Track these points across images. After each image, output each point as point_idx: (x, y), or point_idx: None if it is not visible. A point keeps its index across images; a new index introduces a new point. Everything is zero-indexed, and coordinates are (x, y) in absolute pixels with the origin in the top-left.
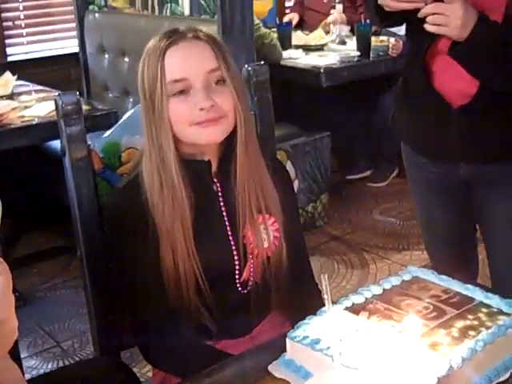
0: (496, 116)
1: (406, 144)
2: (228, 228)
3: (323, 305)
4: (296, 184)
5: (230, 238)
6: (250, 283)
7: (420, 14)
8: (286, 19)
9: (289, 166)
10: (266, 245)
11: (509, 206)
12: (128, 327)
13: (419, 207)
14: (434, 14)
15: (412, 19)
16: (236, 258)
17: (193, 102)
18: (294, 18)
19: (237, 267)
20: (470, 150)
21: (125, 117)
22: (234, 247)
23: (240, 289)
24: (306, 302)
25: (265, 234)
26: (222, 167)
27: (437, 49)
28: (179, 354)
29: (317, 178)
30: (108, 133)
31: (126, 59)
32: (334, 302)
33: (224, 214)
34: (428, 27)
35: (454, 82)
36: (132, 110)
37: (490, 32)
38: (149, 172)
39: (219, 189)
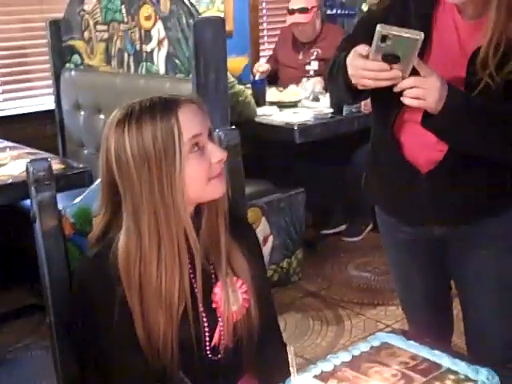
0: (464, 179)
1: (378, 207)
2: (196, 294)
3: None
4: (271, 240)
5: (200, 303)
6: (221, 348)
7: (396, 89)
8: (256, 68)
9: (263, 223)
10: (234, 308)
11: (481, 263)
12: None
13: (394, 268)
14: (411, 87)
15: (378, 92)
16: (206, 324)
17: (209, 155)
18: (265, 69)
19: (207, 334)
20: (442, 213)
21: (96, 182)
22: (203, 314)
23: (210, 355)
24: (276, 364)
25: (233, 297)
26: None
27: (403, 119)
28: None
29: (291, 234)
30: (79, 198)
31: (102, 116)
32: (308, 362)
33: (193, 279)
34: (406, 101)
35: (422, 151)
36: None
37: (462, 102)
38: (144, 246)
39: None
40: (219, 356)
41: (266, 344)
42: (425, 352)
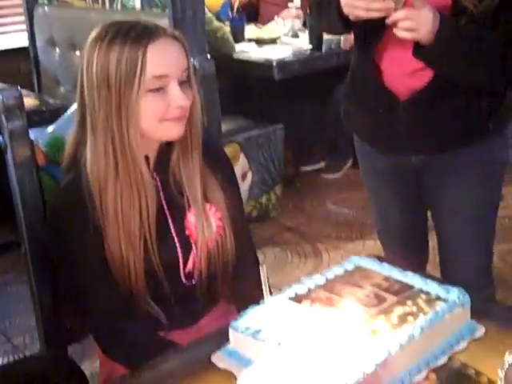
0: (442, 107)
1: (357, 136)
2: (170, 221)
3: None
4: (249, 176)
5: (172, 230)
6: (196, 274)
7: (389, 21)
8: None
9: (242, 159)
10: (208, 234)
11: (457, 193)
12: (76, 322)
13: (372, 197)
14: (403, 20)
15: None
16: (179, 250)
17: (168, 99)
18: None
19: (180, 259)
20: (419, 142)
21: (69, 111)
22: (176, 239)
23: (185, 281)
24: (252, 290)
25: (207, 224)
26: (161, 161)
27: (385, 46)
28: (131, 347)
29: (270, 170)
30: (52, 127)
31: (77, 53)
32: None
33: (165, 207)
34: (398, 33)
35: (402, 78)
36: (75, 105)
37: (453, 32)
38: (102, 167)
39: (159, 183)
40: (193, 282)
41: (243, 274)
42: (398, 274)
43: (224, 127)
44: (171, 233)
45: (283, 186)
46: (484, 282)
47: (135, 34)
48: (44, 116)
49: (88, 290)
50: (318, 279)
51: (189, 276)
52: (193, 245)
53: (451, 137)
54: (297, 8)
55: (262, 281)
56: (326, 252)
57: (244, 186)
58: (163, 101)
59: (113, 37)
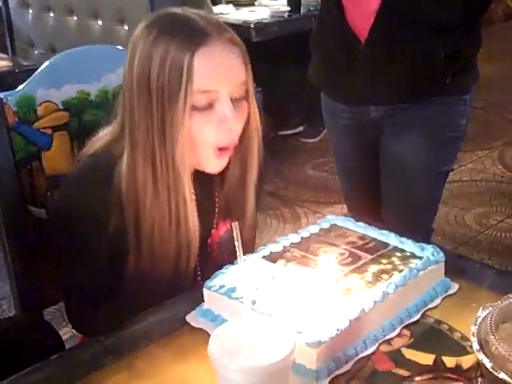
0: (401, 55)
1: (321, 90)
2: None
3: None
4: None
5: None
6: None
7: None
8: None
9: None
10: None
11: (396, 154)
12: (51, 284)
13: (335, 153)
14: None
15: None
16: (198, 263)
17: (214, 118)
18: None
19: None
20: (378, 92)
21: (39, 69)
22: (197, 258)
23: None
24: None
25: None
26: (200, 178)
27: None
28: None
29: None
30: (22, 86)
31: (51, 14)
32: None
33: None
34: None
35: (364, 18)
36: (46, 63)
37: None
38: (140, 182)
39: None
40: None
41: None
42: (373, 232)
43: None
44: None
45: (265, 150)
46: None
47: (183, 33)
48: (17, 78)
49: (90, 258)
50: (293, 238)
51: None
52: (211, 260)
53: (407, 87)
54: None
55: (235, 238)
56: (304, 216)
57: None
58: (209, 121)
59: (159, 32)
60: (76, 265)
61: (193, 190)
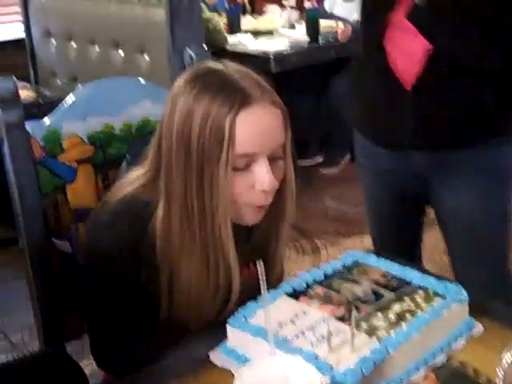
0: (451, 102)
1: (357, 130)
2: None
3: None
4: None
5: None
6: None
7: None
8: None
9: None
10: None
11: (461, 196)
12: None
13: (368, 196)
14: None
15: None
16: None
17: (252, 179)
18: None
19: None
20: (426, 138)
21: (65, 102)
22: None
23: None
24: None
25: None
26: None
27: (391, 29)
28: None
29: None
30: (48, 120)
31: (74, 44)
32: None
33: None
34: None
35: (407, 62)
36: (72, 96)
37: None
38: (175, 234)
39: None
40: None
41: None
42: (395, 269)
43: None
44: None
45: None
46: (498, 285)
47: (225, 94)
48: (41, 108)
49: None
50: (316, 274)
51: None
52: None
53: (457, 133)
54: (291, 7)
55: (260, 276)
56: (324, 248)
57: None
58: (246, 181)
59: (200, 91)
60: (107, 307)
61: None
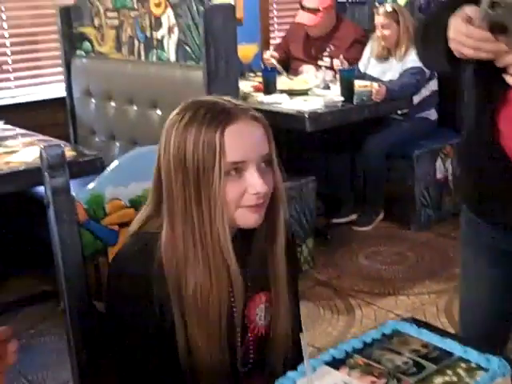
0: None
1: (464, 205)
2: (233, 308)
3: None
4: None
5: (234, 314)
6: (250, 360)
7: (499, 64)
8: (266, 56)
9: None
10: (264, 322)
11: None
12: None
13: (465, 272)
14: None
15: (481, 66)
16: (239, 335)
17: (245, 185)
18: (274, 55)
19: (238, 344)
20: None
21: (109, 168)
22: (237, 327)
23: (240, 367)
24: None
25: (265, 312)
26: (235, 247)
27: (504, 106)
28: None
29: (302, 223)
30: (92, 184)
31: (113, 103)
32: (318, 351)
33: (231, 293)
34: (508, 78)
35: None
36: (116, 162)
37: None
38: (180, 252)
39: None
40: (247, 368)
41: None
42: (436, 340)
43: None
44: (233, 320)
45: (314, 239)
46: None
47: (211, 116)
48: (81, 167)
49: (138, 355)
50: (356, 344)
51: (242, 362)
52: (249, 332)
53: None
54: (326, 67)
55: (303, 349)
56: (358, 308)
57: None
58: (239, 186)
59: (190, 119)
60: (127, 344)
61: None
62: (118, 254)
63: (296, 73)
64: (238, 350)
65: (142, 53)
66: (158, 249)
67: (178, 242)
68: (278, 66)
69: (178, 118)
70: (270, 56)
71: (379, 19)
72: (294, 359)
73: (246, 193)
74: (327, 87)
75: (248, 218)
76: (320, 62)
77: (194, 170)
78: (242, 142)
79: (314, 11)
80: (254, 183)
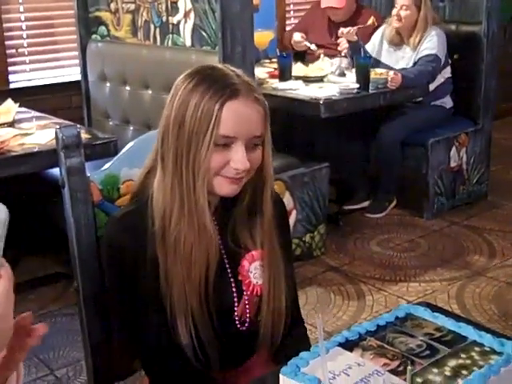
0: None
1: None
2: (227, 266)
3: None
4: (294, 214)
5: (229, 275)
6: (247, 319)
7: None
8: (297, 38)
9: (287, 197)
10: (260, 281)
11: None
12: (122, 360)
13: None
14: None
15: None
16: (235, 294)
17: (229, 157)
18: (304, 37)
19: (235, 304)
20: None
21: (124, 150)
22: (232, 284)
23: (238, 325)
24: (294, 343)
25: (261, 271)
26: (223, 210)
27: None
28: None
29: (315, 209)
30: (107, 165)
31: (128, 88)
32: (329, 336)
33: (222, 251)
34: None
35: None
36: (131, 143)
37: None
38: (167, 203)
39: (217, 227)
40: (245, 327)
41: (287, 321)
42: (450, 324)
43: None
44: (228, 278)
45: (327, 225)
46: None
47: (217, 87)
48: (94, 149)
49: (141, 323)
50: (369, 326)
51: (241, 321)
52: (245, 291)
53: None
54: (341, 55)
55: (318, 329)
56: (369, 293)
57: None
58: (224, 157)
59: (197, 83)
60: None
61: (210, 211)
62: (114, 215)
63: (312, 60)
64: (235, 309)
65: (158, 37)
66: (150, 196)
67: (166, 190)
68: (313, 46)
69: (188, 79)
70: (301, 37)
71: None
72: (288, 324)
73: (227, 165)
74: (343, 74)
75: (224, 187)
76: (339, 48)
77: (189, 130)
78: (238, 119)
79: None
80: (237, 159)
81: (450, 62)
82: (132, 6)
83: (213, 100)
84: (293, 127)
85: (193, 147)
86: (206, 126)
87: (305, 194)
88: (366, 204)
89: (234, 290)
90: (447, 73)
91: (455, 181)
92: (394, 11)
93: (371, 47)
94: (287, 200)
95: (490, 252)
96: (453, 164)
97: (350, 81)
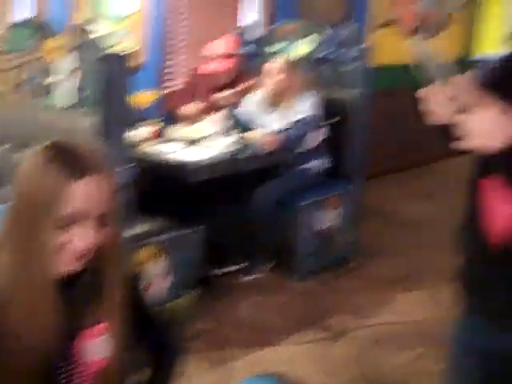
0: None
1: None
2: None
3: None
4: (168, 278)
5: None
6: None
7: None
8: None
9: (162, 260)
10: (101, 356)
11: None
12: None
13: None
14: None
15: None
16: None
17: (73, 235)
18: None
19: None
20: None
21: None
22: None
23: None
24: None
25: (104, 345)
26: (65, 283)
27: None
28: None
29: (188, 272)
30: None
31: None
32: None
33: (64, 331)
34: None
35: (496, 220)
36: None
37: None
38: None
39: (57, 306)
40: None
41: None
42: None
43: (146, 227)
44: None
45: (198, 289)
46: None
47: (65, 167)
48: None
49: None
50: None
51: None
52: (79, 368)
53: None
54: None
55: None
56: (235, 360)
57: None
58: (67, 236)
59: (47, 159)
60: None
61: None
62: None
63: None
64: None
65: (35, 97)
66: None
67: (2, 270)
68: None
69: (38, 153)
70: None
71: (276, 64)
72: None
73: (70, 243)
74: (227, 133)
75: (67, 264)
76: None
77: (34, 206)
78: (86, 197)
79: (228, 56)
80: (80, 238)
81: (324, 125)
82: (11, 64)
83: (61, 177)
84: (167, 190)
85: (36, 225)
86: (52, 203)
87: (179, 256)
88: (241, 266)
89: (76, 369)
90: (321, 135)
91: (325, 242)
92: (270, 74)
93: (247, 109)
94: (162, 263)
95: (355, 312)
96: (322, 226)
97: (227, 143)
